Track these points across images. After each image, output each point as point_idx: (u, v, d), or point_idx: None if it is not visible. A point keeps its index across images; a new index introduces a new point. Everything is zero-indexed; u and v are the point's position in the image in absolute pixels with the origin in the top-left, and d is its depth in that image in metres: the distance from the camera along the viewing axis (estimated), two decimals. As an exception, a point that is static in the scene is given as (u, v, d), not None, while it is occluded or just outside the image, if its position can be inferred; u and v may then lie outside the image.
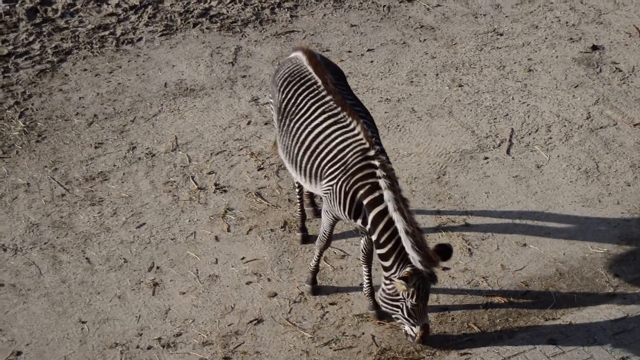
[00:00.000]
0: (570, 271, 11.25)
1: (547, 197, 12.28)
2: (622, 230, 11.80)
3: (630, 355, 10.08)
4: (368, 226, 9.77)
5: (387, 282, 9.79)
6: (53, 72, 14.67)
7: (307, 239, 11.67)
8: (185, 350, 10.37)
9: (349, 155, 9.79)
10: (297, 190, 11.53)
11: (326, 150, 9.96)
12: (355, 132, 9.85)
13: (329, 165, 9.94)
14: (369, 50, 15.16)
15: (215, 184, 12.53)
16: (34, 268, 11.36)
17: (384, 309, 10.11)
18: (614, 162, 12.81)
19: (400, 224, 9.41)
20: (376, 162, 9.63)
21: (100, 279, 11.21)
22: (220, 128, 13.47)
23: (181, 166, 12.80)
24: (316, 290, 10.96)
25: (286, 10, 16.19)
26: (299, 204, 11.62)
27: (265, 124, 13.48)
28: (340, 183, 9.80)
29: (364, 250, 10.57)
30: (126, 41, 15.42)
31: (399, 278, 9.42)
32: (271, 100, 10.89)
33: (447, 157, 12.87)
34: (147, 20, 15.88)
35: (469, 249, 11.50)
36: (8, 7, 15.97)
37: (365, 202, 9.67)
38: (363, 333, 10.58)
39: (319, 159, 10.03)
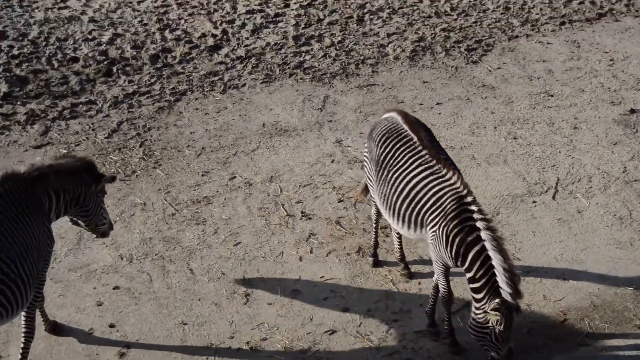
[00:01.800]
0: (603, 304, 11.10)
1: (586, 239, 12.14)
2: (650, 271, 11.68)
3: (652, 380, 9.97)
4: (466, 265, 9.53)
5: (478, 312, 9.58)
6: (169, 110, 14.83)
7: (377, 263, 11.62)
8: (269, 353, 10.38)
9: (447, 202, 9.64)
10: (374, 218, 11.44)
11: (425, 198, 9.82)
12: (452, 181, 9.71)
13: (429, 212, 9.79)
14: (437, 103, 15.14)
15: (302, 212, 12.55)
16: (146, 275, 11.45)
17: (472, 336, 9.83)
18: (645, 211, 12.70)
19: (496, 262, 9.26)
20: (473, 207, 9.52)
21: (200, 287, 11.27)
22: (308, 164, 13.51)
23: (274, 195, 12.85)
24: (459, 350, 10.42)
25: (368, 66, 16.22)
26: (374, 233, 11.56)
27: (348, 162, 13.51)
28: (441, 228, 9.64)
29: (435, 288, 10.50)
30: (232, 86, 15.54)
31: (492, 309, 9.27)
32: (366, 154, 10.75)
33: (501, 200, 12.79)
34: (251, 69, 16.00)
35: (516, 280, 11.41)
36: (135, 53, 16.19)
37: (464, 243, 9.49)
38: (421, 347, 10.53)
39: (419, 206, 9.88)
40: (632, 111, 14.95)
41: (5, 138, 13.88)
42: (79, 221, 10.13)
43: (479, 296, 9.52)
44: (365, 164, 10.82)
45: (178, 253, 11.79)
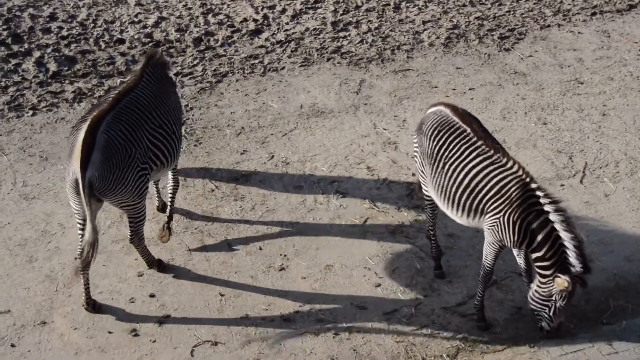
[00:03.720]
0: (628, 285, 11.01)
1: (612, 221, 12.04)
2: (674, 254, 11.56)
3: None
4: (534, 245, 9.58)
5: (544, 286, 9.68)
6: (211, 91, 14.83)
7: (442, 275, 11.24)
8: (302, 325, 10.40)
9: (512, 189, 9.61)
10: (430, 223, 11.15)
11: (487, 187, 9.75)
12: (514, 169, 9.68)
13: (492, 200, 9.75)
14: (470, 89, 15.03)
15: (337, 191, 12.52)
16: (185, 247, 11.48)
17: (531, 306, 9.96)
18: (671, 196, 12.57)
19: (568, 241, 9.36)
20: (539, 193, 9.52)
21: (238, 261, 11.28)
22: (343, 145, 13.47)
23: (309, 174, 12.83)
24: (486, 326, 10.49)
25: (404, 52, 16.13)
26: (433, 240, 11.21)
27: (382, 144, 13.46)
28: (507, 215, 9.62)
29: (525, 268, 10.50)
30: (272, 69, 15.52)
31: (561, 284, 9.40)
32: (417, 149, 10.62)
33: (530, 182, 12.69)
34: (290, 53, 15.96)
35: (543, 260, 11.33)
36: (179, 36, 16.20)
37: (533, 226, 9.51)
38: (449, 323, 10.50)
39: (480, 195, 9.82)
40: (660, 99, 14.81)
41: (53, 115, 13.95)
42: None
43: (546, 272, 9.62)
44: (416, 159, 10.72)
45: (217, 227, 11.80)
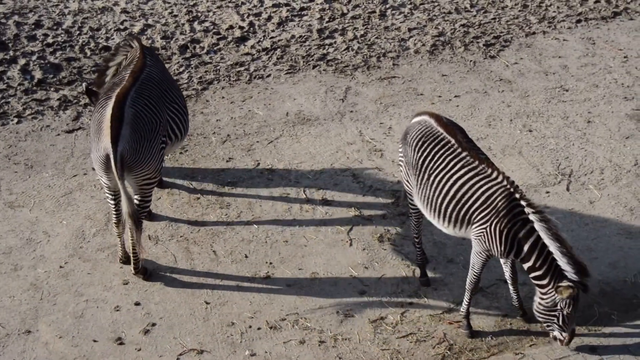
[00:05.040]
0: (613, 292, 11.02)
1: (597, 228, 12.05)
2: (659, 261, 11.58)
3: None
4: (522, 255, 9.63)
5: (545, 297, 9.68)
6: (197, 98, 14.81)
7: (428, 282, 11.18)
8: (288, 332, 10.38)
9: (497, 199, 9.62)
10: (415, 232, 11.09)
11: (473, 198, 9.76)
12: (499, 179, 9.70)
13: (478, 211, 9.76)
14: (455, 96, 15.04)
15: (322, 198, 12.52)
16: (171, 256, 11.45)
17: (539, 319, 9.98)
18: (656, 203, 12.60)
19: (554, 248, 9.39)
20: (523, 202, 9.55)
21: (223, 269, 11.26)
22: (329, 152, 13.46)
23: (295, 181, 12.82)
24: (472, 334, 10.46)
25: (389, 59, 16.14)
26: (419, 248, 11.17)
27: (368, 151, 13.45)
28: (494, 225, 9.64)
29: (511, 276, 10.51)
30: (257, 76, 15.50)
31: (561, 291, 9.42)
32: (402, 159, 10.59)
33: (515, 189, 12.70)
34: (276, 60, 15.95)
35: (528, 267, 11.34)
36: (164, 43, 16.17)
37: (520, 235, 9.56)
38: (435, 330, 10.49)
39: (466, 206, 9.82)
40: (645, 106, 14.85)
41: (38, 122, 13.90)
42: None
43: (543, 282, 9.64)
44: (402, 168, 10.71)
45: (202, 235, 11.78)
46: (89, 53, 15.72)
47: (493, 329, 10.54)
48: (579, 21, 17.69)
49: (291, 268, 11.30)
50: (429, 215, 10.32)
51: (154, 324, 10.44)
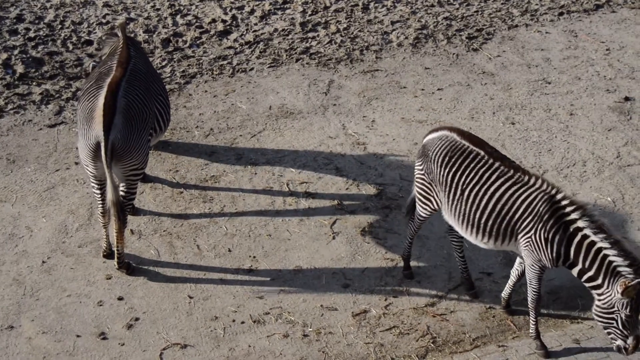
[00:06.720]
0: (595, 284, 11.06)
1: (580, 221, 12.09)
2: (641, 252, 11.60)
3: (641, 357, 9.92)
4: (571, 259, 9.36)
5: (602, 297, 9.27)
6: (180, 92, 14.76)
7: (411, 275, 11.16)
8: (272, 326, 10.38)
9: (538, 205, 9.37)
10: (411, 235, 10.97)
11: (514, 208, 9.50)
12: (537, 185, 9.47)
13: (520, 220, 9.49)
14: (438, 89, 15.05)
15: (306, 192, 12.50)
16: (154, 250, 11.43)
17: (599, 323, 9.50)
18: (638, 195, 12.58)
19: (604, 244, 9.08)
20: (564, 202, 9.33)
21: (206, 263, 11.24)
22: (312, 146, 13.45)
23: (278, 175, 12.80)
24: (548, 354, 10.00)
25: (373, 52, 16.13)
26: (408, 246, 11.08)
27: (351, 144, 13.45)
28: (538, 232, 9.38)
29: (518, 275, 10.35)
30: (240, 70, 15.47)
31: (621, 290, 8.89)
32: (422, 176, 10.25)
33: (498, 182, 12.72)
34: (259, 54, 15.92)
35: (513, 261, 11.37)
36: (147, 37, 16.12)
37: (564, 239, 9.29)
38: (419, 323, 10.51)
39: (507, 218, 9.56)
40: (627, 99, 14.86)
41: (20, 117, 13.84)
42: None
43: (596, 283, 9.30)
44: (420, 185, 10.39)
45: (185, 229, 11.76)
46: (71, 47, 15.65)
47: (476, 321, 10.55)
48: (561, 14, 17.72)
49: (275, 262, 11.30)
50: (465, 232, 10.00)
51: (137, 319, 10.42)
